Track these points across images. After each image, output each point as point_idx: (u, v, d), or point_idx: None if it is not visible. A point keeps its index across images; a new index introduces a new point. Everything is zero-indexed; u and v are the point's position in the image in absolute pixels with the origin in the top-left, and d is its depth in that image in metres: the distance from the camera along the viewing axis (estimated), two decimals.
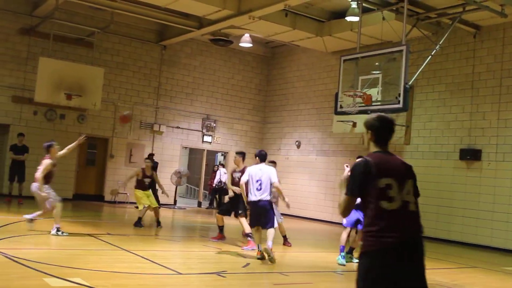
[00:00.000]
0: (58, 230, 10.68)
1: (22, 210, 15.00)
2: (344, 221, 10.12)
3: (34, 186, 10.82)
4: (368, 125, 4.19)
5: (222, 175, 21.24)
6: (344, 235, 10.22)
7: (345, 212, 4.02)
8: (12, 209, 15.26)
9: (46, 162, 10.86)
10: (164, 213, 18.54)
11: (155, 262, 8.73)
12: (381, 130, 4.17)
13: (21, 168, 16.73)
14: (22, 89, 18.55)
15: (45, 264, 7.59)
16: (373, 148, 4.17)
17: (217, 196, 22.29)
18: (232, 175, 12.14)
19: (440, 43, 14.48)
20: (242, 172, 10.89)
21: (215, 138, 22.83)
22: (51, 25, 17.97)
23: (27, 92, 18.33)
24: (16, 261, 7.70)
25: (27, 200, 16.92)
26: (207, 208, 22.47)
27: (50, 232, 10.68)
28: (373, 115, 4.22)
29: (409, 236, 3.89)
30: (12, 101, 18.49)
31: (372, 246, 3.85)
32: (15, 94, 18.51)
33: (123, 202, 20.14)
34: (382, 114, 4.25)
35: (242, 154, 12.03)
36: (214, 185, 21.98)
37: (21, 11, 18.67)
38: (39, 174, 10.66)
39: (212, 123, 22.68)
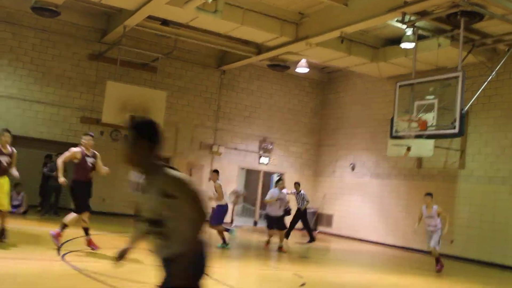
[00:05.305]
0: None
1: (89, 224, 15.39)
2: None
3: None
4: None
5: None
6: None
7: None
8: (78, 224, 15.60)
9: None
10: None
11: (214, 279, 8.79)
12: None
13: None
14: (90, 110, 19.16)
15: (112, 277, 7.76)
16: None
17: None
18: None
19: (496, 69, 14.19)
20: None
21: (271, 159, 22.91)
22: (118, 51, 18.51)
23: (95, 113, 18.91)
24: (84, 274, 7.92)
25: (94, 215, 17.30)
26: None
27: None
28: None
29: None
30: (81, 121, 19.12)
31: None
32: (84, 115, 19.14)
33: None
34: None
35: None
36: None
37: (91, 39, 19.36)
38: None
39: (268, 145, 22.78)
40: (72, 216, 10.27)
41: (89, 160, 10.66)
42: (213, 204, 13.29)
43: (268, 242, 14.36)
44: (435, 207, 13.25)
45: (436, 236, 13.10)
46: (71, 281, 7.46)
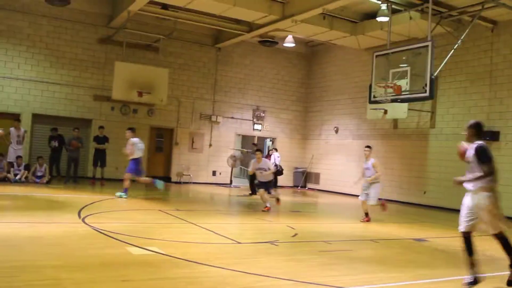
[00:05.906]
0: None
1: (104, 190, 15.50)
2: None
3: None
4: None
5: (276, 158, 19.46)
6: None
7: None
8: (95, 190, 15.71)
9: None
10: (221, 191, 18.85)
11: (217, 233, 8.91)
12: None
13: (103, 155, 17.22)
14: (101, 88, 19.04)
15: (126, 235, 7.86)
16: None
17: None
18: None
19: (462, 38, 14.13)
20: None
21: (264, 126, 22.92)
22: (124, 34, 18.34)
23: (106, 91, 18.81)
24: (103, 233, 8.00)
25: (108, 182, 17.44)
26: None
27: None
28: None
29: None
30: (94, 99, 19.02)
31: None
32: (95, 93, 19.03)
33: (187, 183, 20.52)
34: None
35: None
36: None
37: (99, 24, 19.12)
38: None
39: (261, 113, 22.77)
40: None
41: None
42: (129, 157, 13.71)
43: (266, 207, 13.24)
44: (372, 159, 12.17)
45: (375, 190, 12.14)
46: (93, 240, 7.54)
